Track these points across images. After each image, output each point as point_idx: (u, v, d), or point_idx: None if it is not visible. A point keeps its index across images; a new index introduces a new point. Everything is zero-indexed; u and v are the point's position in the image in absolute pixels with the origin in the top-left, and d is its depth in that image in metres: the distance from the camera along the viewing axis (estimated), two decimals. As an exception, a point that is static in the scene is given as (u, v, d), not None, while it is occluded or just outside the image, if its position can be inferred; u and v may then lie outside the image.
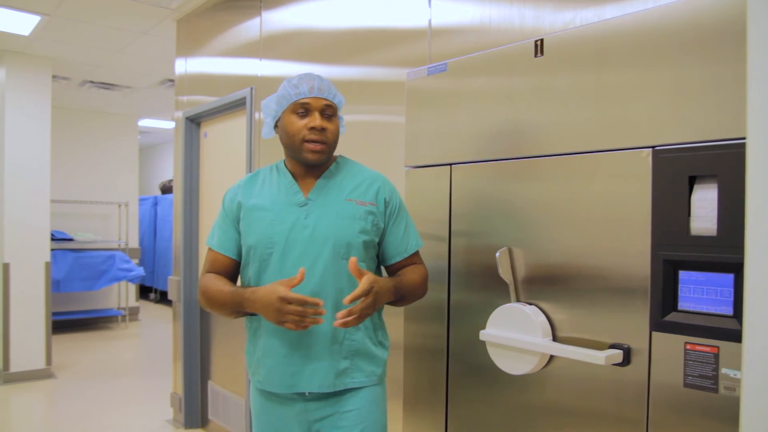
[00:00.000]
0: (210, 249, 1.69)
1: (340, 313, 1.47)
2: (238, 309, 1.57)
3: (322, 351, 1.62)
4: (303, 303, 1.44)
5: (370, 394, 1.69)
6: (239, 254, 1.68)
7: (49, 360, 5.06)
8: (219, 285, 1.61)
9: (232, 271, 1.69)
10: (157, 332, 7.04)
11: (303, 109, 1.58)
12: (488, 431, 1.76)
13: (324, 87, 1.61)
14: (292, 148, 1.61)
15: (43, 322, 5.03)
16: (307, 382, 1.62)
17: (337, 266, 1.61)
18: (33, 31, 4.36)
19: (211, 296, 1.61)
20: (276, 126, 1.68)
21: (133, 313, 7.80)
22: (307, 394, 1.64)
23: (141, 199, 9.20)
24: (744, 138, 1.24)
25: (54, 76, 5.47)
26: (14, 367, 4.89)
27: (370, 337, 1.69)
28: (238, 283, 1.73)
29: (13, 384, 4.83)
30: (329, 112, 1.62)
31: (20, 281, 4.93)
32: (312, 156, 1.60)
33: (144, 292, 9.65)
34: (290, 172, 1.69)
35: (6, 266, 4.87)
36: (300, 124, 1.58)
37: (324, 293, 1.60)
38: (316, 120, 1.58)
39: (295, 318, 1.45)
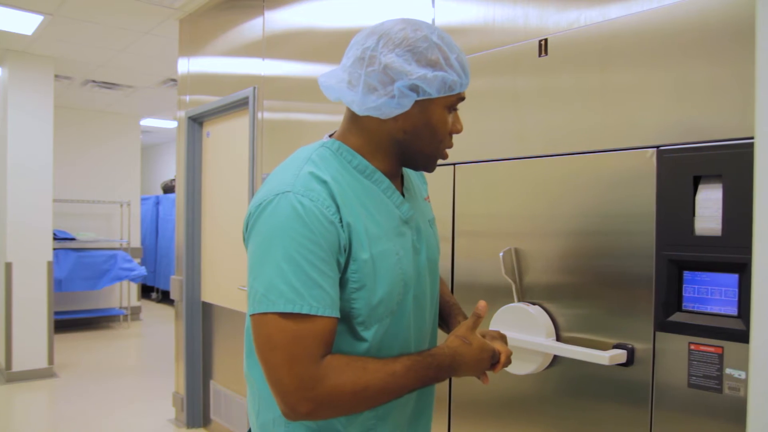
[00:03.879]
0: (304, 317, 0.95)
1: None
2: (422, 387, 1.05)
3: (433, 391, 1.29)
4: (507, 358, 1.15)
5: None
6: None
7: (51, 359, 5.06)
8: (379, 368, 1.00)
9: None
10: (159, 332, 7.04)
11: (457, 105, 1.10)
12: (492, 431, 1.76)
13: None
14: (422, 153, 1.10)
15: (45, 321, 5.03)
16: None
17: (438, 291, 1.26)
18: (35, 31, 4.36)
19: (377, 390, 0.99)
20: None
21: (135, 312, 7.80)
22: None
23: (143, 199, 9.21)
24: (749, 138, 1.24)
25: (56, 76, 5.48)
26: (16, 367, 4.89)
27: None
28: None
29: (16, 383, 4.83)
30: None
31: (22, 281, 4.93)
32: (435, 167, 1.16)
33: (146, 291, 9.66)
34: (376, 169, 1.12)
35: (8, 265, 4.87)
36: (450, 124, 1.10)
37: (434, 329, 1.25)
38: (461, 123, 1.12)
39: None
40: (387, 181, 1.11)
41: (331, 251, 0.98)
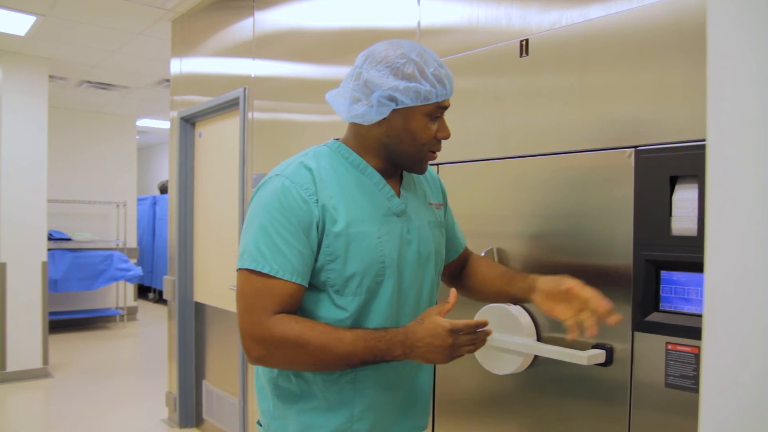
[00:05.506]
0: (266, 276, 1.12)
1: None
2: (374, 360, 1.13)
3: (426, 382, 1.36)
4: (474, 328, 1.14)
5: None
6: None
7: (45, 359, 5.07)
8: (327, 331, 1.12)
9: (298, 306, 1.18)
10: (155, 332, 7.04)
11: (440, 113, 1.21)
12: (473, 431, 1.77)
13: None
14: (406, 155, 1.23)
15: (40, 321, 5.03)
16: (418, 420, 1.35)
17: (436, 287, 1.35)
18: (29, 32, 4.36)
19: (319, 348, 1.11)
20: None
21: (132, 312, 7.81)
22: None
23: (140, 199, 9.21)
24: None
25: (51, 76, 5.48)
26: (11, 367, 4.89)
27: None
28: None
29: (10, 383, 4.83)
30: None
31: (17, 281, 4.93)
32: (425, 168, 1.28)
33: (143, 291, 9.66)
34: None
35: (2, 266, 4.88)
36: (433, 130, 1.21)
37: None
38: (447, 129, 1.23)
39: (470, 348, 1.14)
40: (378, 176, 1.25)
41: (301, 226, 1.15)
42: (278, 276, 1.12)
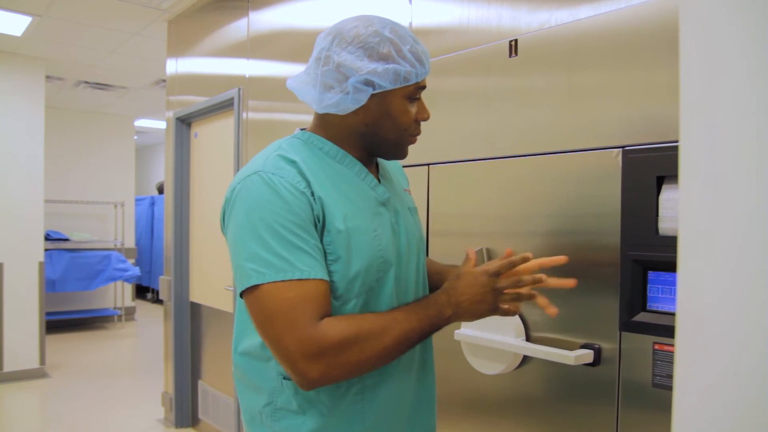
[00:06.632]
0: (296, 282, 0.97)
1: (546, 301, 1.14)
2: (430, 329, 1.05)
3: (432, 381, 1.26)
4: (509, 266, 1.07)
5: None
6: None
7: (42, 359, 5.07)
8: (378, 317, 1.03)
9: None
10: (153, 332, 7.03)
11: (418, 94, 1.12)
12: (462, 430, 1.77)
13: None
14: (388, 142, 1.13)
15: (37, 321, 5.04)
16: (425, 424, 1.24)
17: (426, 274, 1.26)
18: (25, 32, 4.36)
19: (380, 334, 1.00)
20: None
21: (130, 312, 7.81)
22: None
23: (138, 199, 9.21)
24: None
25: (48, 77, 5.48)
26: (8, 367, 4.90)
27: None
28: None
29: (7, 383, 4.84)
30: None
31: (14, 281, 4.94)
32: (407, 153, 1.18)
33: (141, 291, 9.67)
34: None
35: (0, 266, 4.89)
36: (413, 113, 1.12)
37: None
38: (426, 110, 1.15)
39: (513, 292, 1.07)
40: (359, 164, 1.14)
41: (308, 219, 1.01)
42: (310, 277, 0.98)
